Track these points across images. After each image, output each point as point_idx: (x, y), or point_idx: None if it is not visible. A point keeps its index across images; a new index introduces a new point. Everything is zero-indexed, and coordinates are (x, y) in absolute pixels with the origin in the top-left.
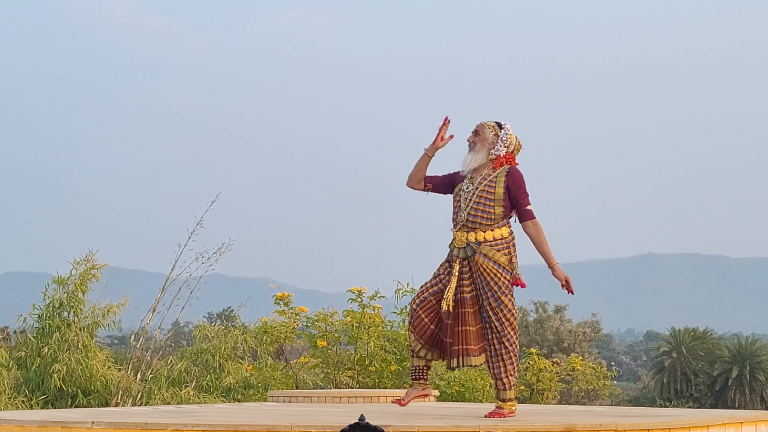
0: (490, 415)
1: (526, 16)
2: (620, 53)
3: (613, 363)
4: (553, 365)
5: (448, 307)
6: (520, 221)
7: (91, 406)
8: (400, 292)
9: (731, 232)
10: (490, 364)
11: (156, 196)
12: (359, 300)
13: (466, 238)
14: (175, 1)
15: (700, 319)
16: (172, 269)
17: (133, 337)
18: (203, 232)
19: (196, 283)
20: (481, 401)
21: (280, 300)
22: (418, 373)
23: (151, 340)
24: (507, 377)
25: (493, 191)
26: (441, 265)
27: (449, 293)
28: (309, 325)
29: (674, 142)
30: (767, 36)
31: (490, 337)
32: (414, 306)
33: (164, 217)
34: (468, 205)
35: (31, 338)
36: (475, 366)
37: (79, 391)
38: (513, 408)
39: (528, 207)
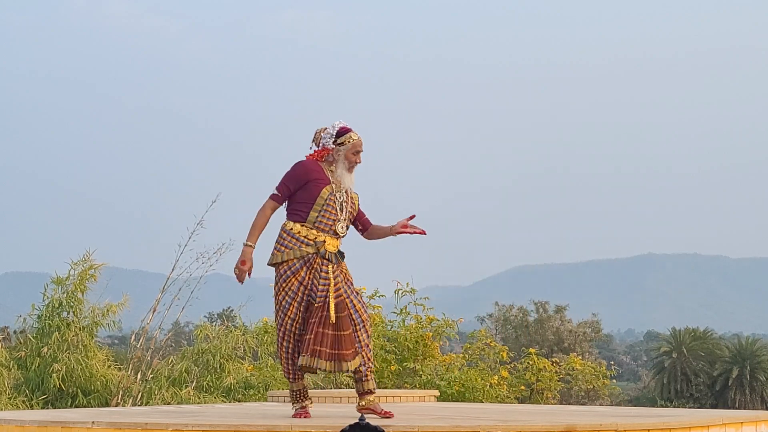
0: (387, 413)
1: (526, 16)
2: (620, 53)
3: (612, 363)
4: (552, 365)
5: (330, 315)
6: (367, 227)
7: (91, 406)
8: (400, 291)
9: (731, 232)
10: (363, 361)
11: (156, 196)
12: None
13: (336, 245)
14: (175, 1)
15: (700, 319)
16: (173, 269)
17: (133, 337)
18: (203, 232)
19: (196, 283)
20: (481, 401)
21: None
22: (306, 394)
23: (152, 340)
24: (372, 369)
25: (355, 208)
26: (294, 276)
27: (331, 298)
28: None
29: (674, 141)
30: (767, 36)
31: (362, 335)
32: (293, 332)
33: (164, 217)
34: (345, 217)
35: (31, 338)
36: (347, 371)
37: (79, 391)
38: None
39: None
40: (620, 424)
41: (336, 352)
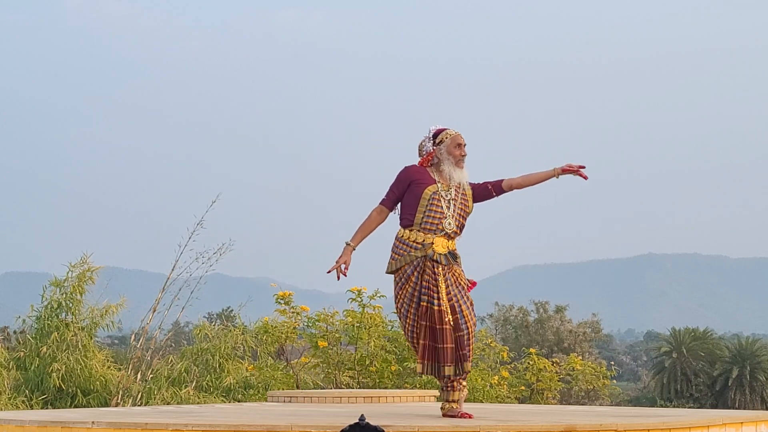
0: (466, 415)
1: (526, 16)
2: (620, 53)
3: (612, 363)
4: (552, 365)
5: (444, 312)
6: (503, 186)
7: (91, 406)
8: None
9: (731, 232)
10: (458, 370)
11: (156, 196)
12: (359, 300)
13: (447, 246)
14: (172, 1)
15: (700, 319)
16: (173, 269)
17: (133, 337)
18: (203, 232)
19: (196, 283)
20: (481, 401)
21: (281, 299)
22: (452, 386)
23: (152, 340)
24: (462, 380)
25: (468, 205)
26: (407, 282)
27: (444, 298)
28: (310, 325)
29: (675, 142)
30: (767, 36)
31: (465, 344)
32: (417, 335)
33: (164, 217)
34: (454, 214)
35: (30, 338)
36: (444, 375)
37: (78, 390)
38: None
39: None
40: (620, 424)
41: (462, 352)
